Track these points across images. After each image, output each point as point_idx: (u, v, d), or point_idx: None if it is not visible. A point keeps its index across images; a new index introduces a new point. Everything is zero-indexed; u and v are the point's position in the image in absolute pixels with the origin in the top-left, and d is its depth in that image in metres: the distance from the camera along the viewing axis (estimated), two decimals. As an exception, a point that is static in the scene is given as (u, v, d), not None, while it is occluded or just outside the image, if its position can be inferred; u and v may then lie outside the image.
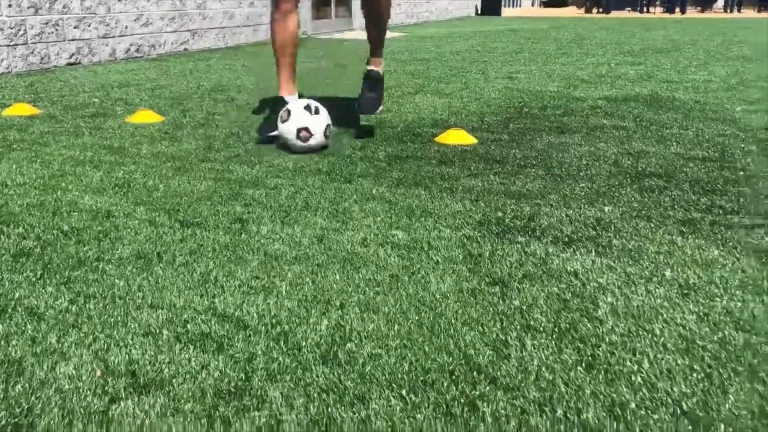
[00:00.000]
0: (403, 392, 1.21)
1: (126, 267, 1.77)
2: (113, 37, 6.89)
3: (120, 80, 5.40)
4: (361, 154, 2.97)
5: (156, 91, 4.84)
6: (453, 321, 1.46)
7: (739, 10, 22.54)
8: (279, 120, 3.02)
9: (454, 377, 1.25)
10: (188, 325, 1.46)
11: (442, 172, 2.69)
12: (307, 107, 2.96)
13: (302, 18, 10.72)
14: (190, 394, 1.21)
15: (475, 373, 1.27)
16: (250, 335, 1.41)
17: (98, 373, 1.27)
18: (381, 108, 3.90)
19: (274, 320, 1.47)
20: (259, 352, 1.34)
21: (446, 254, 1.84)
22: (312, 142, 2.95)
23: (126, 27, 7.04)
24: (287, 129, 2.95)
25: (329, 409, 1.16)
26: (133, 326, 1.45)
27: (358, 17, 13.11)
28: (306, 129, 2.92)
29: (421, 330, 1.43)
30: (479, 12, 22.83)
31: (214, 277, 1.70)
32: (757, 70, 5.98)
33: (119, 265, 1.78)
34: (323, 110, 3.01)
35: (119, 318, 1.49)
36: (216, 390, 1.22)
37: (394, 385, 1.23)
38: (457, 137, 3.23)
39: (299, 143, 2.94)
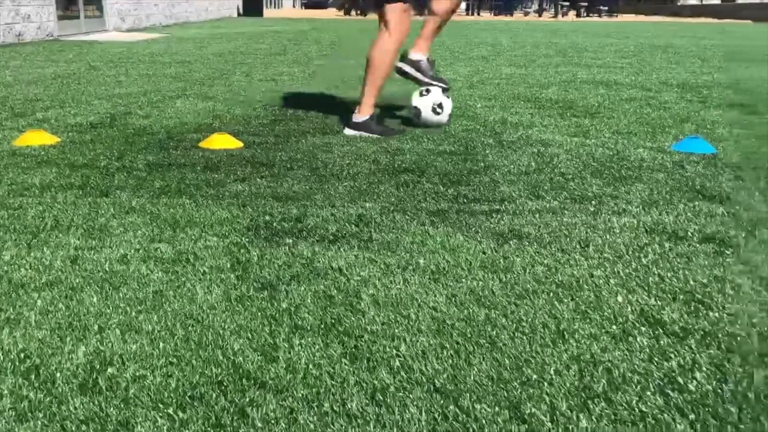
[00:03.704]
0: (170, 410, 1.18)
1: None
2: None
3: None
4: (118, 165, 2.81)
5: None
6: (221, 331, 1.46)
7: (478, 14, 24.89)
8: (418, 94, 3.67)
9: (223, 387, 1.25)
10: None
11: (207, 178, 2.64)
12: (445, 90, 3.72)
13: (46, 18, 9.80)
14: None
15: (244, 380, 1.28)
16: (-6, 375, 1.28)
17: None
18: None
19: (22, 354, 1.35)
20: (6, 392, 1.23)
21: (213, 263, 1.82)
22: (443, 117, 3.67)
23: None
24: (424, 103, 3.65)
25: (90, 441, 1.10)
26: None
27: (113, 17, 12.31)
28: (440, 105, 3.65)
29: (188, 344, 1.40)
30: (241, 12, 22.63)
31: (-53, 315, 1.51)
32: (493, 69, 6.67)
33: None
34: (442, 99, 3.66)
35: None
36: (-47, 442, 1.09)
37: (160, 404, 1.20)
38: (223, 141, 3.20)
39: (433, 116, 3.66)
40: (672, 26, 18.15)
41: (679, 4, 36.96)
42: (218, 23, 17.07)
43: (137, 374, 1.29)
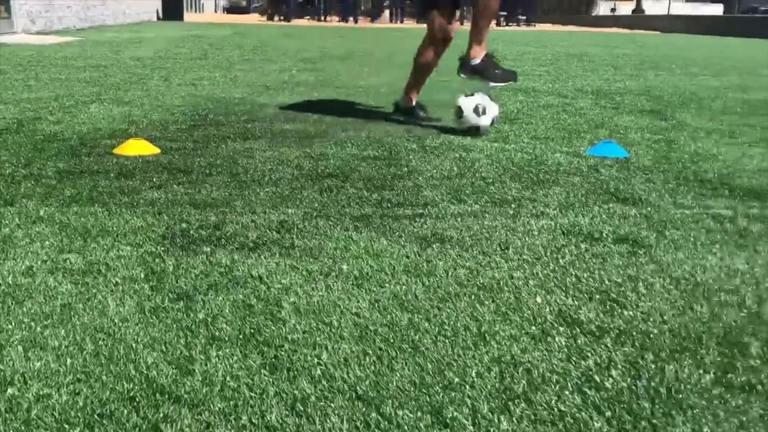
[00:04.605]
0: (77, 430, 1.11)
1: None
2: None
3: None
4: (25, 172, 2.67)
5: None
6: (134, 344, 1.39)
7: (401, 22, 25.13)
8: (479, 113, 3.61)
9: (135, 403, 1.19)
10: None
11: (121, 185, 2.54)
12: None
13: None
14: None
15: (157, 395, 1.22)
16: None
17: None
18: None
19: None
20: None
21: (126, 274, 1.74)
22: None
23: None
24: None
25: (-14, 468, 1.02)
26: None
27: (21, 18, 11.77)
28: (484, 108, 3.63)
29: (98, 359, 1.33)
30: (161, 16, 22.10)
31: None
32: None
33: None
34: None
35: None
36: None
37: (66, 425, 1.13)
38: (138, 148, 3.09)
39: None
40: (586, 36, 18.86)
41: (593, 15, 38.47)
42: (137, 27, 16.57)
43: (41, 393, 1.21)
